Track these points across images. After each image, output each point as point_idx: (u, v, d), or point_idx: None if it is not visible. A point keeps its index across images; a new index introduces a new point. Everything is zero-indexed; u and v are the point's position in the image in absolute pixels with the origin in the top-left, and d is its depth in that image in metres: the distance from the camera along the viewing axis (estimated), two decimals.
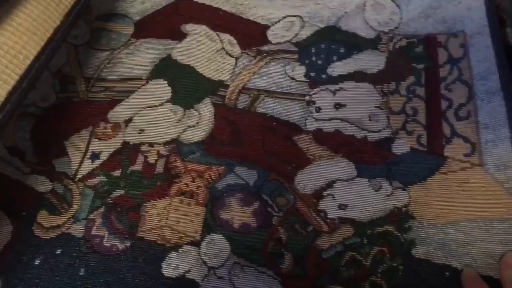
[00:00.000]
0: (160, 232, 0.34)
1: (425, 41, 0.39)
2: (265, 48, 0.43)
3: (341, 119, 0.38)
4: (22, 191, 0.36)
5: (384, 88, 0.39)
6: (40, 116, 0.40)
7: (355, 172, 0.36)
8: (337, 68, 0.40)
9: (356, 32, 0.42)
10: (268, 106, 0.39)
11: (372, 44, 0.41)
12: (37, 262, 0.34)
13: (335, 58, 0.41)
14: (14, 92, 0.32)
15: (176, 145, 0.38)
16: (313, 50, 0.41)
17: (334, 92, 0.39)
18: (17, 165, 0.37)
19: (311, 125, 0.38)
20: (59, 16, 0.37)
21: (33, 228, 0.35)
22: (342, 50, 0.41)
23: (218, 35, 0.43)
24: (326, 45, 0.41)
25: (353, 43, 0.41)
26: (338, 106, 0.38)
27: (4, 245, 0.35)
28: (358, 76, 0.40)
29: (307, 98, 0.39)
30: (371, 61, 0.40)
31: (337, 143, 0.37)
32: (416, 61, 0.39)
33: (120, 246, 0.34)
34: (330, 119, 0.38)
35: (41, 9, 0.36)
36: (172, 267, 0.33)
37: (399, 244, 0.33)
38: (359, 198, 0.35)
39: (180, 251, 0.34)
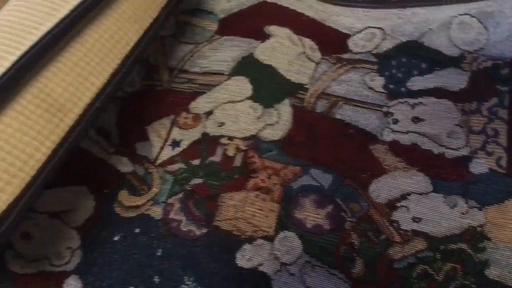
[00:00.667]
0: (236, 223, 0.36)
1: (511, 64, 0.39)
2: (346, 56, 0.43)
3: (419, 133, 0.38)
4: (105, 170, 0.38)
5: (465, 107, 0.39)
6: (126, 100, 0.41)
7: (430, 186, 0.36)
8: (418, 82, 0.40)
9: (439, 49, 0.42)
10: (345, 113, 0.40)
11: (455, 62, 0.41)
12: (116, 238, 0.35)
13: (415, 72, 0.41)
14: (116, 75, 0.34)
15: (254, 141, 0.39)
16: (393, 62, 0.42)
17: (413, 106, 0.39)
18: (102, 145, 0.39)
19: (388, 136, 0.38)
20: (158, 7, 0.38)
21: (113, 206, 0.37)
22: (423, 65, 0.41)
23: (300, 39, 0.44)
24: (407, 59, 0.42)
25: (435, 60, 0.41)
26: (416, 120, 0.39)
27: (86, 219, 0.36)
28: (438, 92, 0.40)
29: (384, 109, 0.40)
30: (453, 79, 0.40)
31: (413, 156, 0.37)
32: (501, 83, 0.39)
33: (197, 232, 0.35)
34: (407, 132, 0.38)
35: (139, 1, 0.37)
36: (246, 258, 0.34)
37: (472, 263, 0.33)
38: (434, 213, 0.35)
39: (254, 244, 0.35)
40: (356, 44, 0.44)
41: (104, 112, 0.40)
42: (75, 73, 0.32)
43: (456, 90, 0.40)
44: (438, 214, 0.35)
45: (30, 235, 0.35)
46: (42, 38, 0.30)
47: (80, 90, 0.32)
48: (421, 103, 0.40)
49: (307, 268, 0.34)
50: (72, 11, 0.32)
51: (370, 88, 0.41)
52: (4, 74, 0.28)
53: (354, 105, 0.40)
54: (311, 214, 0.36)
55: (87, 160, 0.38)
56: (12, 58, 0.29)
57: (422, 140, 0.38)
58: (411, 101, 0.39)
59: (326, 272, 0.34)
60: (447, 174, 0.36)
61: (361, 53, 0.43)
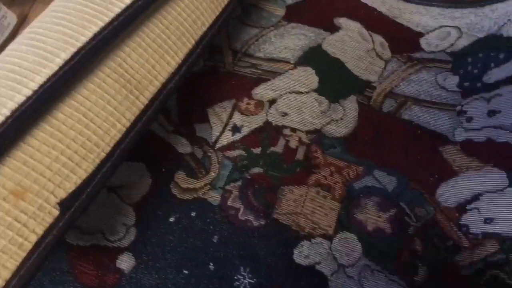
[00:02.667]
0: (295, 218, 0.35)
1: None
2: (417, 55, 0.42)
3: (494, 127, 0.36)
4: (163, 148, 0.37)
5: None
6: (188, 79, 0.40)
7: (506, 181, 0.34)
8: (494, 74, 0.39)
9: None
10: (414, 114, 0.39)
11: None
12: (171, 219, 0.35)
13: (492, 65, 0.39)
14: (190, 56, 0.33)
15: (318, 136, 0.38)
16: (469, 59, 0.40)
17: (488, 100, 0.38)
18: (162, 123, 0.38)
19: (460, 136, 0.37)
20: None
21: (170, 186, 0.36)
22: (501, 55, 0.39)
23: (370, 35, 0.43)
24: (484, 54, 0.40)
25: None
26: (491, 113, 0.37)
27: (142, 197, 0.36)
28: None
29: (457, 108, 0.38)
30: None
31: (487, 152, 0.35)
32: None
33: (255, 223, 0.34)
34: (481, 128, 0.37)
35: None
36: (304, 256, 0.33)
37: None
38: (509, 210, 0.33)
39: (312, 242, 0.34)
40: (429, 43, 0.42)
41: None
42: (152, 50, 0.31)
43: None
44: None
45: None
46: (123, 11, 0.29)
47: (156, 68, 0.31)
48: (497, 94, 0.38)
49: (366, 272, 0.33)
50: None
51: (442, 87, 0.39)
52: (86, 44, 0.27)
53: (424, 106, 0.39)
54: (373, 217, 0.35)
55: (146, 137, 0.37)
56: (95, 28, 0.28)
57: (497, 133, 0.36)
58: (487, 95, 0.38)
59: (386, 278, 0.32)
60: None
61: (434, 52, 0.41)
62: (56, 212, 0.25)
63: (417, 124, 0.38)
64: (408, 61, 0.41)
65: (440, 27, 0.43)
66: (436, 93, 0.39)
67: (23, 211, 0.25)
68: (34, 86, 0.26)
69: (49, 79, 0.26)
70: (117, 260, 0.33)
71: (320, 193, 0.35)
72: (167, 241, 0.34)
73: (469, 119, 0.37)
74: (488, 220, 0.33)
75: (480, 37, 0.41)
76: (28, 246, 0.25)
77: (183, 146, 0.38)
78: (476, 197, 0.34)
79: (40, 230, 0.25)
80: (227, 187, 0.36)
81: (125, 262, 0.33)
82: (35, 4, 0.48)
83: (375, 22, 0.44)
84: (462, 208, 0.34)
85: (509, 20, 0.41)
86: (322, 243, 0.34)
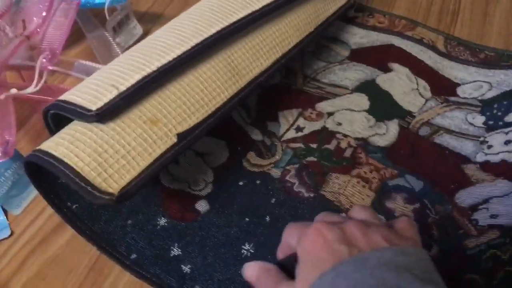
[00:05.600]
0: (337, 196, 0.44)
1: None
2: (453, 99, 0.52)
3: (509, 151, 0.45)
4: (241, 134, 0.48)
5: None
6: (267, 88, 0.52)
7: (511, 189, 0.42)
8: None
9: None
10: (444, 140, 0.48)
11: None
12: (240, 183, 0.45)
13: None
14: (275, 64, 0.45)
15: (363, 143, 0.48)
16: (495, 105, 0.50)
17: (506, 133, 0.47)
18: (243, 115, 0.50)
19: (480, 158, 0.46)
20: (312, 26, 0.49)
21: (242, 160, 0.47)
22: None
23: (416, 78, 0.54)
24: (508, 101, 0.49)
25: None
26: (508, 142, 0.46)
27: (220, 164, 0.46)
28: None
29: (481, 139, 0.47)
30: None
31: (501, 170, 0.44)
32: None
33: (305, 194, 0.44)
34: (498, 153, 0.45)
35: (303, 17, 0.49)
36: None
37: None
38: (510, 208, 0.41)
39: None
40: (464, 91, 0.52)
41: None
42: (253, 51, 0.43)
43: None
44: None
45: (179, 162, 0.46)
46: (238, 20, 0.42)
47: (252, 64, 0.43)
48: None
49: None
50: (261, 8, 0.44)
51: (471, 123, 0.49)
52: (209, 37, 0.40)
53: (454, 135, 0.48)
54: (400, 207, 0.43)
55: (229, 123, 0.49)
56: (213, 30, 0.41)
57: (510, 156, 0.44)
58: (506, 130, 0.47)
59: None
60: None
61: (467, 98, 0.51)
62: (174, 140, 0.37)
63: (446, 147, 0.47)
64: (444, 102, 0.52)
65: (475, 81, 0.53)
66: (465, 127, 0.49)
67: (154, 133, 0.36)
68: (174, 55, 0.38)
69: (184, 53, 0.38)
70: (196, 204, 0.43)
71: (360, 183, 0.45)
72: (236, 196, 0.44)
73: (489, 147, 0.47)
74: (494, 216, 0.41)
75: (506, 90, 0.51)
76: (154, 155, 0.36)
77: (256, 135, 0.49)
78: (486, 200, 0.42)
79: (163, 147, 0.36)
80: (287, 167, 0.46)
81: (202, 206, 0.43)
82: (155, 26, 0.63)
83: (421, 70, 0.55)
84: (474, 208, 0.42)
85: None
86: None
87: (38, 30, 0.54)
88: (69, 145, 0.33)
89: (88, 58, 0.55)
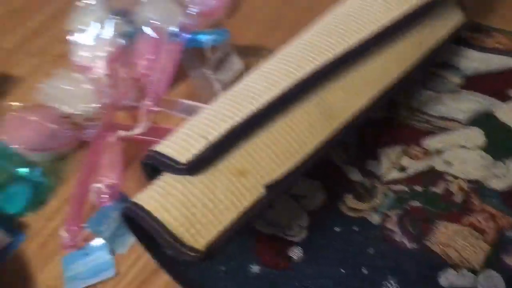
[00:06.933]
0: (445, 249, 0.39)
1: None
2: None
3: None
4: (338, 174, 0.46)
5: None
6: (368, 124, 0.49)
7: None
8: None
9: None
10: None
11: None
12: (337, 229, 0.42)
13: None
14: (374, 101, 0.42)
15: (478, 186, 0.43)
16: None
17: None
18: (340, 154, 0.47)
19: None
20: (419, 54, 0.45)
21: (339, 204, 0.44)
22: None
23: None
24: None
25: None
26: None
27: (315, 207, 0.44)
28: None
29: None
30: None
31: None
32: None
33: (408, 245, 0.40)
34: None
35: (405, 47, 0.45)
36: (449, 281, 0.38)
37: None
38: None
39: (458, 272, 0.38)
40: None
41: None
42: (348, 90, 0.41)
43: None
44: None
45: (274, 206, 0.45)
46: (333, 59, 0.40)
47: (347, 105, 0.40)
48: None
49: None
50: (358, 45, 0.41)
51: None
52: (296, 83, 0.38)
53: None
54: None
55: (326, 162, 0.47)
56: (304, 71, 0.39)
57: None
58: None
59: None
60: None
61: None
62: (263, 191, 0.36)
63: None
64: None
65: None
66: None
67: (242, 184, 0.35)
68: (263, 101, 0.37)
69: (273, 98, 0.38)
70: (289, 250, 0.42)
71: (473, 234, 0.40)
72: (331, 244, 0.42)
73: None
74: None
75: None
76: (242, 208, 0.35)
77: (354, 175, 0.46)
78: None
79: (251, 199, 0.35)
80: (388, 212, 0.43)
81: (295, 253, 0.42)
82: (257, 59, 0.62)
83: None
84: None
85: None
86: (468, 275, 0.38)
87: (147, 72, 0.57)
88: (160, 199, 0.34)
89: (190, 96, 0.56)
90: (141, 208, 0.34)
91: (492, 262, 0.38)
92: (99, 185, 0.46)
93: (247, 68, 0.60)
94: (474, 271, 0.38)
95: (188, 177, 0.35)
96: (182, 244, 0.32)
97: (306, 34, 0.44)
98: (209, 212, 0.34)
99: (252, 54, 0.63)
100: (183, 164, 0.34)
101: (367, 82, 0.42)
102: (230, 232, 0.34)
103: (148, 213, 0.33)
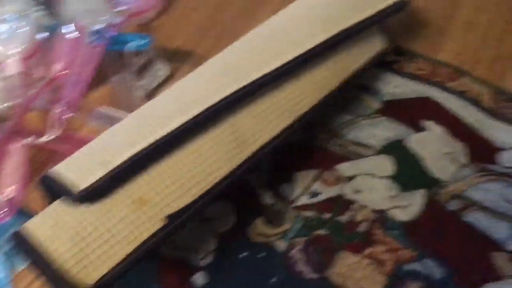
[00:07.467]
0: (344, 280, 0.40)
1: None
2: (492, 167, 0.46)
3: None
4: (251, 196, 0.46)
5: None
6: (283, 147, 0.48)
7: None
8: None
9: None
10: (475, 218, 0.43)
11: None
12: (242, 255, 0.43)
13: None
14: (286, 130, 0.42)
15: (382, 216, 0.44)
16: None
17: None
18: (253, 176, 0.47)
19: None
20: (339, 80, 0.45)
21: (248, 228, 0.44)
22: None
23: (452, 141, 0.48)
24: None
25: None
26: None
27: (224, 231, 0.44)
28: None
29: None
30: None
31: None
32: None
33: (308, 275, 0.41)
34: None
35: (325, 72, 0.45)
36: None
37: None
38: None
39: None
40: (509, 159, 0.46)
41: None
42: (261, 117, 0.40)
43: None
44: None
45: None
46: (248, 84, 0.39)
47: (260, 133, 0.40)
48: None
49: None
50: (278, 68, 0.41)
51: (508, 201, 0.43)
52: (208, 109, 0.37)
53: (487, 212, 0.43)
54: None
55: (241, 183, 0.46)
56: (218, 97, 0.38)
57: None
58: None
59: None
60: None
61: (509, 168, 0.45)
62: (165, 221, 0.35)
63: (476, 226, 0.42)
64: (482, 170, 0.46)
65: None
66: (502, 204, 0.43)
67: (143, 214, 0.34)
68: (170, 127, 0.36)
69: (182, 125, 0.36)
70: (193, 276, 0.41)
71: (372, 265, 0.41)
72: (236, 270, 0.41)
73: None
74: None
75: None
76: (140, 239, 0.34)
77: (267, 198, 0.46)
78: None
79: (152, 230, 0.34)
80: (295, 240, 0.43)
81: (200, 279, 0.41)
82: (184, 65, 0.61)
83: (459, 130, 0.49)
84: None
85: None
86: None
87: (63, 73, 0.54)
88: (52, 226, 0.33)
89: (109, 102, 0.54)
90: (30, 236, 0.32)
91: None
92: None
93: (174, 73, 0.59)
94: None
95: (85, 205, 0.33)
96: (69, 279, 0.31)
97: (228, 51, 0.43)
98: (105, 243, 0.33)
99: (181, 59, 0.62)
100: (79, 193, 0.33)
101: (284, 108, 0.42)
102: (127, 264, 0.33)
103: (35, 242, 0.32)
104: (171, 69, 0.59)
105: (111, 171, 0.34)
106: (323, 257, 0.42)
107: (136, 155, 0.35)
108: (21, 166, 0.46)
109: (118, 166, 0.34)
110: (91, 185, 0.33)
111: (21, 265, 0.44)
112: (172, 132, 0.36)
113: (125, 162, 0.34)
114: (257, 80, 0.40)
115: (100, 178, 0.34)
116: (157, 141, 0.35)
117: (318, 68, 0.45)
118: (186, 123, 0.37)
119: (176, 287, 0.41)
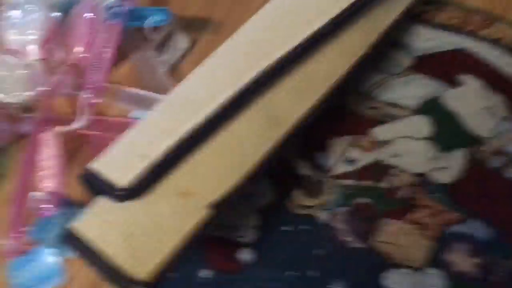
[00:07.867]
0: (388, 247, 0.40)
1: None
2: None
3: None
4: (286, 168, 0.45)
5: None
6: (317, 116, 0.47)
7: None
8: None
9: None
10: None
11: None
12: (284, 228, 0.43)
13: None
14: (320, 103, 0.40)
15: (422, 179, 0.43)
16: None
17: None
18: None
19: None
20: (369, 43, 0.43)
21: (288, 201, 0.44)
22: None
23: (491, 94, 0.46)
24: None
25: None
26: None
27: (264, 205, 0.44)
28: None
29: None
30: None
31: None
32: None
33: (353, 245, 0.41)
34: None
35: (354, 37, 0.43)
36: (392, 281, 0.39)
37: None
38: None
39: (400, 271, 0.39)
40: None
41: None
42: (294, 92, 0.39)
43: None
44: None
45: None
46: (277, 61, 0.38)
47: (294, 108, 0.39)
48: None
49: None
50: (304, 41, 0.39)
51: None
52: (239, 91, 0.36)
53: None
54: (460, 261, 0.39)
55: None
56: (247, 77, 0.37)
57: None
58: None
59: None
60: None
61: None
62: (210, 208, 0.35)
63: None
64: None
65: None
66: None
67: (186, 206, 0.34)
68: (204, 113, 0.35)
69: (215, 110, 0.36)
70: (238, 252, 0.42)
71: (416, 230, 0.41)
72: (280, 245, 0.42)
73: None
74: None
75: None
76: (188, 229, 0.34)
77: (303, 169, 0.46)
78: None
79: (198, 218, 0.34)
80: (335, 210, 0.43)
81: (245, 255, 0.42)
82: (202, 34, 0.59)
83: (497, 82, 0.47)
84: None
85: None
86: (409, 274, 0.39)
87: (85, 56, 0.53)
88: (101, 224, 0.33)
89: (133, 81, 0.53)
90: (82, 236, 0.33)
91: (433, 259, 0.39)
92: (38, 193, 0.43)
93: (193, 44, 0.57)
94: (414, 269, 0.39)
95: (130, 201, 0.34)
96: (125, 274, 0.32)
97: (249, 27, 0.41)
98: (153, 236, 0.33)
99: (198, 28, 0.60)
100: (122, 190, 0.33)
101: (315, 81, 0.40)
102: (178, 255, 0.34)
103: (87, 241, 0.32)
104: (190, 39, 0.57)
105: (152, 165, 0.34)
106: (366, 226, 0.42)
107: (175, 145, 0.35)
108: (57, 156, 0.46)
109: (158, 160, 0.34)
110: (134, 181, 0.33)
111: (70, 252, 0.45)
112: (208, 118, 0.36)
113: (164, 154, 0.34)
114: (288, 53, 0.39)
115: (142, 174, 0.34)
116: (194, 128, 0.35)
117: (348, 32, 0.43)
118: (219, 107, 0.36)
119: (223, 265, 0.41)
